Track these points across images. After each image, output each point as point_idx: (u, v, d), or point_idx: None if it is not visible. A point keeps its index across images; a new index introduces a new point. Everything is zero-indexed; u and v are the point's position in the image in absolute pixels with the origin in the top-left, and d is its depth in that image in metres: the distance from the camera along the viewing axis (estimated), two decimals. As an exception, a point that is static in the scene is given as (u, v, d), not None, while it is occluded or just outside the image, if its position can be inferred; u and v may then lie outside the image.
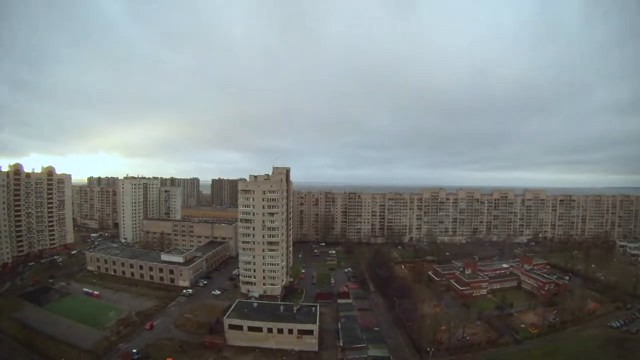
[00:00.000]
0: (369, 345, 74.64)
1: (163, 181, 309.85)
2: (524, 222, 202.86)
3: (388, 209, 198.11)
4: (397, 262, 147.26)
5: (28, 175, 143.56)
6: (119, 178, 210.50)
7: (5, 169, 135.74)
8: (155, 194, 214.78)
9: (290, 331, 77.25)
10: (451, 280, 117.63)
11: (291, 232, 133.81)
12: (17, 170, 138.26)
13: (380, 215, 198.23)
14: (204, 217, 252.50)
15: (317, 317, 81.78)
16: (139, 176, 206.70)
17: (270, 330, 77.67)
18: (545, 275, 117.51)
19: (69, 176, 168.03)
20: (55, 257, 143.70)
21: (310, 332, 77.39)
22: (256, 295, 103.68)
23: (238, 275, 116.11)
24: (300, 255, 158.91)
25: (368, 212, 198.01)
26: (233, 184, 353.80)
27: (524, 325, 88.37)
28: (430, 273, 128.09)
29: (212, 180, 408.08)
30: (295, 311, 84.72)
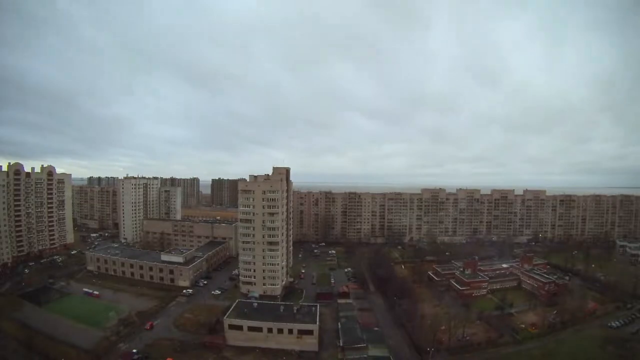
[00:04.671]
0: (369, 345, 74.73)
1: (163, 181, 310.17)
2: (524, 222, 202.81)
3: (388, 209, 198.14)
4: (397, 262, 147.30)
5: (28, 175, 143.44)
6: (119, 178, 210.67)
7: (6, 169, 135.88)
8: (155, 194, 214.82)
9: (290, 331, 77.25)
10: (451, 280, 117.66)
11: (291, 232, 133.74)
12: (17, 170, 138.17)
13: (380, 215, 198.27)
14: (204, 217, 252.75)
15: (317, 317, 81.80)
16: (139, 176, 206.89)
17: (270, 330, 77.65)
18: (545, 275, 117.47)
19: (69, 176, 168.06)
20: (55, 257, 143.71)
21: (310, 332, 77.38)
22: (256, 295, 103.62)
23: (238, 275, 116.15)
24: (300, 255, 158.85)
25: (368, 212, 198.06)
26: (233, 184, 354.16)
27: (524, 325, 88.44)
28: (430, 273, 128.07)
29: (212, 180, 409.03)
30: (295, 311, 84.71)
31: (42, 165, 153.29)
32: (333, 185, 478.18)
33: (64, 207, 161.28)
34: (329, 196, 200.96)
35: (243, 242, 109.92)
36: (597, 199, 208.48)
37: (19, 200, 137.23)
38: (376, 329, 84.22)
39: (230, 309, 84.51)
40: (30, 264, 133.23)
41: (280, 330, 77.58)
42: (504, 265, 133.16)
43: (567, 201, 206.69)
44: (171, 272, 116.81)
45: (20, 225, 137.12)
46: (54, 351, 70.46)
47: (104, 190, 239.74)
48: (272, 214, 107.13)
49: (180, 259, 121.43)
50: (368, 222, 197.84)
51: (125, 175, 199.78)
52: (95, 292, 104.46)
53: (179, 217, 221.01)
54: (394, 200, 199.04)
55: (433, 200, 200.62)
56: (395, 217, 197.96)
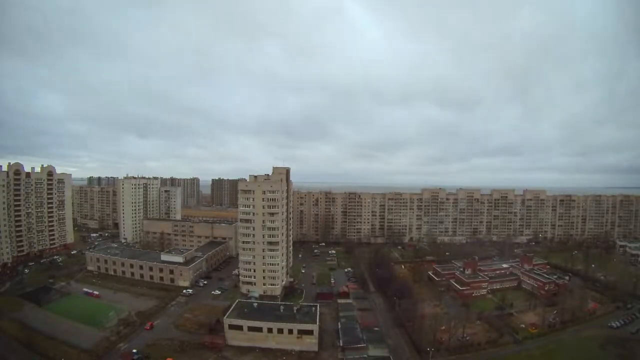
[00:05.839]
0: (369, 345, 74.81)
1: (163, 181, 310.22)
2: (524, 222, 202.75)
3: (388, 209, 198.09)
4: (397, 262, 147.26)
5: (28, 175, 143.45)
6: (119, 178, 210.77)
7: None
8: (155, 194, 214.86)
9: (290, 331, 77.24)
10: (451, 280, 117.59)
11: (291, 232, 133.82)
12: (17, 170, 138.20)
13: (380, 215, 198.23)
14: (204, 217, 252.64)
15: (317, 317, 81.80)
16: (139, 176, 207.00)
17: (270, 330, 77.68)
18: (545, 275, 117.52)
19: (69, 176, 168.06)
20: (55, 257, 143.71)
21: (310, 332, 77.36)
22: (256, 295, 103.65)
23: (238, 275, 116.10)
24: (300, 255, 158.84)
25: (368, 212, 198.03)
26: (233, 184, 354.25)
27: (524, 325, 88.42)
28: (430, 273, 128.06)
29: (212, 180, 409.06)
30: (295, 311, 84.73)
31: (42, 165, 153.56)
32: (333, 185, 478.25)
33: (64, 207, 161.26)
34: (329, 196, 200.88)
35: (243, 242, 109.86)
36: (597, 199, 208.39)
37: (19, 200, 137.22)
38: (376, 329, 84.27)
39: (230, 309, 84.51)
40: (30, 264, 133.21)
41: (280, 330, 77.57)
42: (504, 265, 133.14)
43: (567, 201, 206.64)
44: (171, 272, 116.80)
45: (20, 225, 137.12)
46: (54, 351, 70.48)
47: (104, 190, 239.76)
48: (272, 214, 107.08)
49: (180, 259, 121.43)
50: (368, 222, 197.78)
51: (125, 175, 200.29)
52: (96, 292, 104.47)
53: (179, 217, 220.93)
54: (394, 200, 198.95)
55: (433, 200, 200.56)
56: (395, 217, 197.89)
